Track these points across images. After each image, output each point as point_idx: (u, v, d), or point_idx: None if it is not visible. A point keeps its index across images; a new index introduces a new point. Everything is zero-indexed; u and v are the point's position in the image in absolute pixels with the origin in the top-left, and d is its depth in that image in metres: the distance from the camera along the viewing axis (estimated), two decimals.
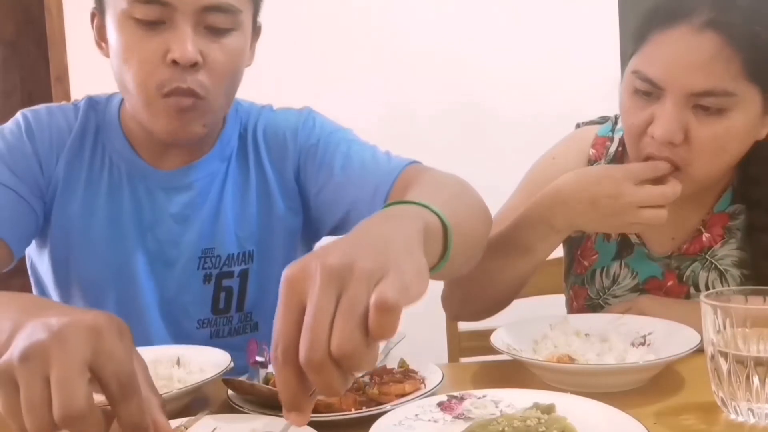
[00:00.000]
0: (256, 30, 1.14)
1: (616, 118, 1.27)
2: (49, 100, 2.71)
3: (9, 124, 1.15)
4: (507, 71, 2.74)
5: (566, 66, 2.73)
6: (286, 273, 0.60)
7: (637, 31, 1.06)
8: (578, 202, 1.05)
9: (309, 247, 1.28)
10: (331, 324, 0.56)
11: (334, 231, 1.18)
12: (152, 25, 1.01)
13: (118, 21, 1.02)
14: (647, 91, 1.04)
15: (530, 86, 2.73)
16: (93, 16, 1.10)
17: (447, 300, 1.25)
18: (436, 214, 0.76)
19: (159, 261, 1.15)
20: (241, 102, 1.22)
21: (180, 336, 1.14)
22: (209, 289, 1.16)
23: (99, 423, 0.59)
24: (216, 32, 1.03)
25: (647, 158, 1.06)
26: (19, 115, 1.16)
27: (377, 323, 0.56)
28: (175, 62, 1.00)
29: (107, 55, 1.09)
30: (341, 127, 1.22)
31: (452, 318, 1.29)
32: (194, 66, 1.01)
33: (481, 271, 1.14)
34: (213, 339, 1.16)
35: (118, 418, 0.61)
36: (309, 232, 1.23)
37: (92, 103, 1.18)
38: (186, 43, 1.00)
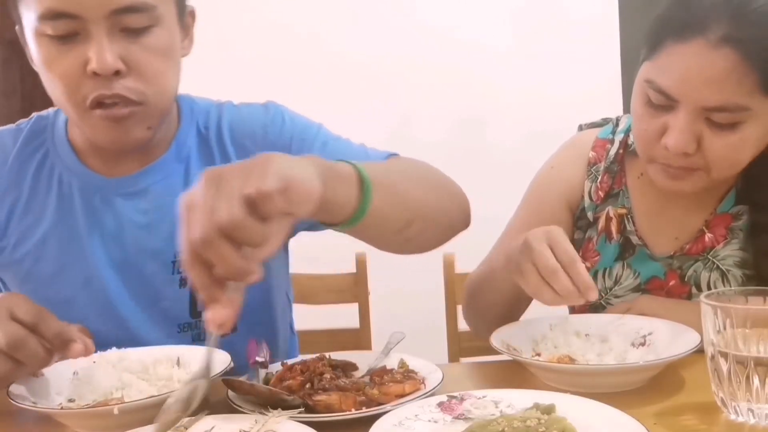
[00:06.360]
0: (187, 15, 1.09)
1: (617, 119, 1.27)
2: (49, 100, 2.70)
3: None
4: (510, 86, 2.72)
5: (569, 82, 2.71)
6: (181, 201, 0.71)
7: (649, 37, 1.05)
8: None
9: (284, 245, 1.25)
10: (213, 208, 0.67)
11: (311, 228, 1.13)
12: (66, 39, 0.97)
13: (34, 37, 0.99)
14: (660, 101, 1.04)
15: (535, 103, 2.72)
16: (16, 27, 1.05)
17: (466, 318, 1.32)
18: (354, 167, 0.84)
19: (130, 270, 1.11)
20: (195, 100, 1.18)
21: (169, 340, 1.10)
22: (185, 292, 1.13)
23: None
24: (134, 33, 0.99)
25: (658, 165, 1.08)
26: None
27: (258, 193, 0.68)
28: (95, 73, 0.97)
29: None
30: (312, 122, 1.18)
31: (478, 336, 1.31)
32: (117, 74, 0.98)
33: (480, 289, 1.22)
34: (196, 342, 1.12)
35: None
36: None
37: (39, 121, 1.15)
38: (103, 53, 0.96)
